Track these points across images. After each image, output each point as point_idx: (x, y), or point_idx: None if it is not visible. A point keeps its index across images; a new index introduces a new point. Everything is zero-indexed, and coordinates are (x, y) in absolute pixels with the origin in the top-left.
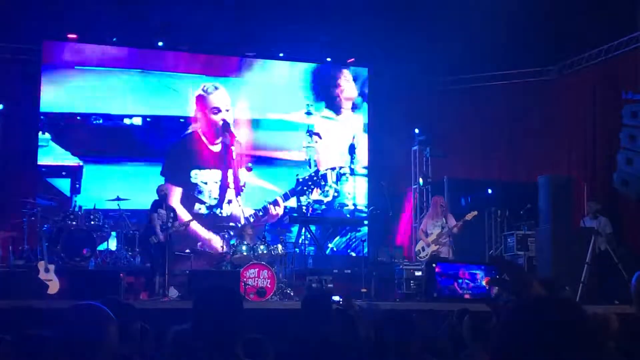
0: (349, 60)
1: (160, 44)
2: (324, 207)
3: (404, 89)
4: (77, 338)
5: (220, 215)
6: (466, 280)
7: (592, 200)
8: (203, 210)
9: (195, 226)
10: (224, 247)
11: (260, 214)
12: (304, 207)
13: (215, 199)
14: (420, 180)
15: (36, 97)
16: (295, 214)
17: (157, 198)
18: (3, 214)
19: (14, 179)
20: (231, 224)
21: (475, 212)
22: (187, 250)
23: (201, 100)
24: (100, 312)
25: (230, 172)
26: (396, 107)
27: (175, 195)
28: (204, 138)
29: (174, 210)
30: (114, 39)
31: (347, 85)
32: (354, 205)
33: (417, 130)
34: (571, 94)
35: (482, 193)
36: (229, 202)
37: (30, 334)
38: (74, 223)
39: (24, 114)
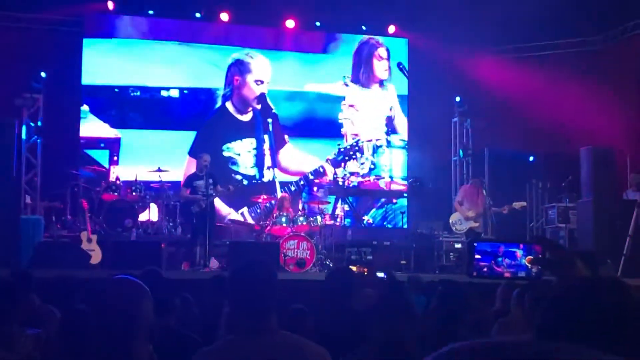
0: (390, 31)
1: (197, 15)
2: (360, 179)
3: (444, 60)
4: (112, 312)
5: (262, 182)
6: (506, 259)
7: (636, 173)
8: (243, 181)
9: (222, 204)
10: (260, 220)
11: (311, 177)
12: (340, 180)
13: (252, 167)
14: (461, 152)
15: (78, 68)
16: (332, 186)
17: (194, 170)
18: (46, 184)
19: (56, 150)
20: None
21: (524, 203)
22: (227, 220)
23: (240, 65)
24: (135, 285)
25: (267, 139)
26: (436, 78)
27: None
28: (233, 109)
29: (213, 176)
30: (151, 12)
31: (379, 64)
32: (390, 177)
33: (458, 99)
34: (616, 64)
35: (525, 163)
36: (269, 168)
37: (69, 308)
38: (116, 194)
39: (65, 85)
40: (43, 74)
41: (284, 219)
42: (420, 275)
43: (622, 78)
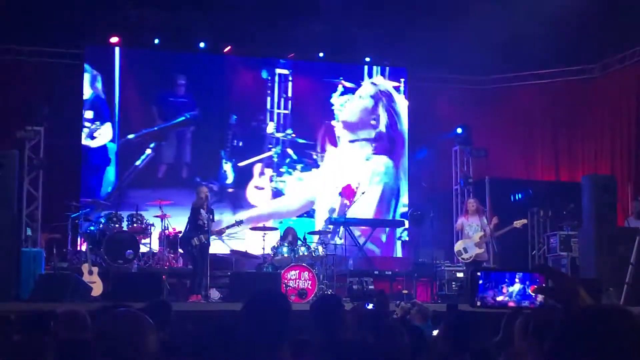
0: (389, 60)
1: (202, 45)
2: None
3: (444, 89)
4: (117, 344)
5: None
6: (510, 288)
7: (637, 200)
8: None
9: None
10: (264, 248)
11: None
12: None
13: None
14: (462, 181)
15: (79, 100)
16: (333, 216)
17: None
18: (47, 216)
19: (57, 182)
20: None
21: (525, 221)
22: (229, 252)
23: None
24: (140, 319)
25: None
26: (436, 107)
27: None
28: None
29: (212, 212)
30: (157, 41)
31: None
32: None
33: (460, 130)
34: (614, 92)
35: (527, 192)
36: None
37: (72, 338)
38: (117, 225)
39: (66, 117)
40: (44, 107)
41: (285, 249)
42: (425, 305)
43: (619, 106)
